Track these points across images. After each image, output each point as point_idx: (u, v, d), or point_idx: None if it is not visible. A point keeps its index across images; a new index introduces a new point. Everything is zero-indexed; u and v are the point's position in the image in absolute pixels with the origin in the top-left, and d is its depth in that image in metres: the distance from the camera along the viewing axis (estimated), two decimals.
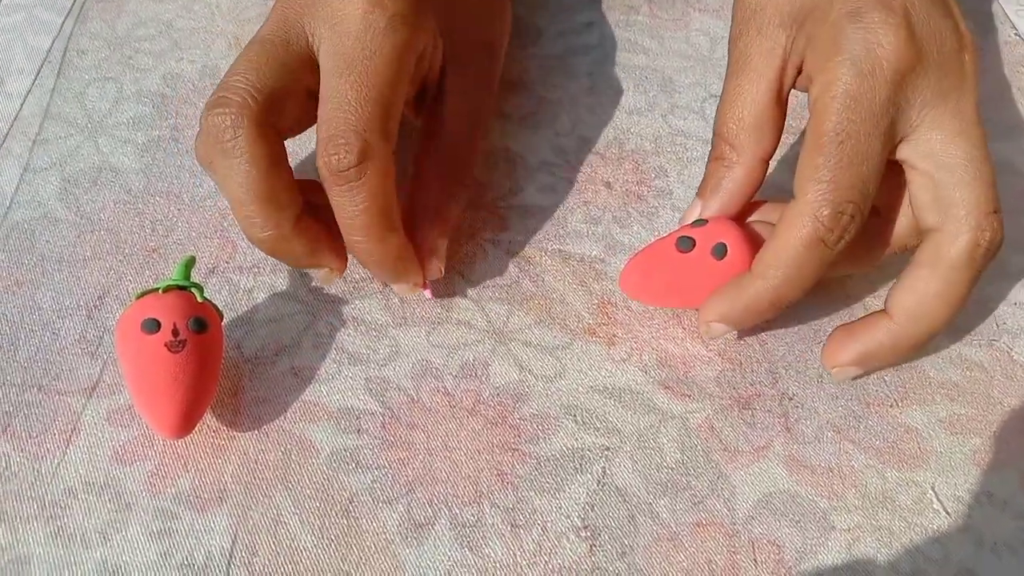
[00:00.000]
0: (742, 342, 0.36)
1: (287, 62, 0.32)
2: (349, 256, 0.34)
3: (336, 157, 0.31)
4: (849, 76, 0.31)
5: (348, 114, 0.31)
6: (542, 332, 0.36)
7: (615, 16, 0.48)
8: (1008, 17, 0.49)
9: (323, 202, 0.33)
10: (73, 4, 0.47)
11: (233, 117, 0.31)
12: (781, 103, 0.34)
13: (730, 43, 0.35)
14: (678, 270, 0.34)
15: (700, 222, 0.34)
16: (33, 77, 0.43)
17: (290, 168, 0.33)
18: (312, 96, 0.33)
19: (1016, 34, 0.48)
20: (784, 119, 0.34)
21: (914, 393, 0.35)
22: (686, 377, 0.35)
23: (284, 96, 0.32)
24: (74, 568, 0.30)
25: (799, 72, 0.34)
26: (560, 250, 0.39)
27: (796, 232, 0.31)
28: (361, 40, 0.32)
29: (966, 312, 0.37)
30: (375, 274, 0.35)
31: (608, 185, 0.41)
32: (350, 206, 0.32)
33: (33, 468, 0.32)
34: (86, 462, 0.32)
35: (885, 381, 0.35)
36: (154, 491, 0.31)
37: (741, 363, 0.36)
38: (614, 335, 0.36)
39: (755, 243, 0.34)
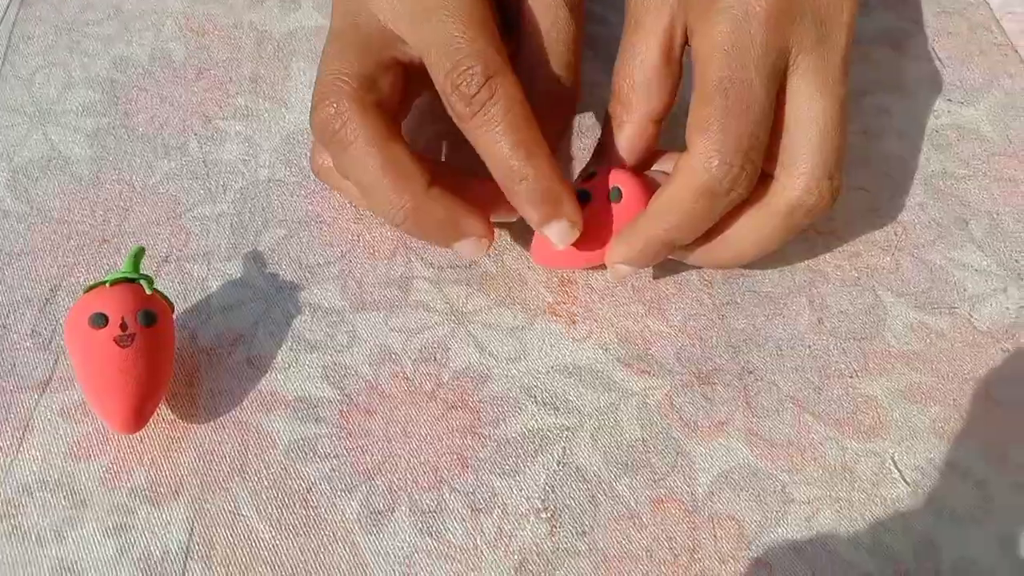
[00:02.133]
0: (702, 316, 0.36)
1: (363, 42, 0.33)
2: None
3: (463, 85, 0.30)
4: (725, 24, 0.31)
5: (454, 45, 0.31)
6: (502, 313, 0.36)
7: None
8: None
9: (449, 181, 0.32)
10: None
11: (336, 105, 0.31)
12: (672, 62, 0.34)
13: (626, 4, 0.35)
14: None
15: (591, 175, 0.35)
16: None
17: (408, 144, 0.32)
18: (405, 68, 0.33)
19: None
20: (677, 79, 0.34)
21: (874, 363, 0.35)
22: (646, 354, 0.35)
23: (375, 74, 0.32)
24: (29, 567, 0.29)
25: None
26: (521, 227, 0.38)
27: (688, 182, 0.31)
28: None
29: (927, 278, 0.37)
30: (537, 212, 0.32)
31: (572, 158, 0.40)
32: (494, 129, 0.31)
33: None
34: (40, 459, 0.32)
35: (845, 351, 0.35)
36: (110, 486, 0.31)
37: (701, 338, 0.35)
38: (574, 313, 0.36)
39: (649, 185, 0.34)
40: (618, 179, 0.34)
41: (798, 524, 0.31)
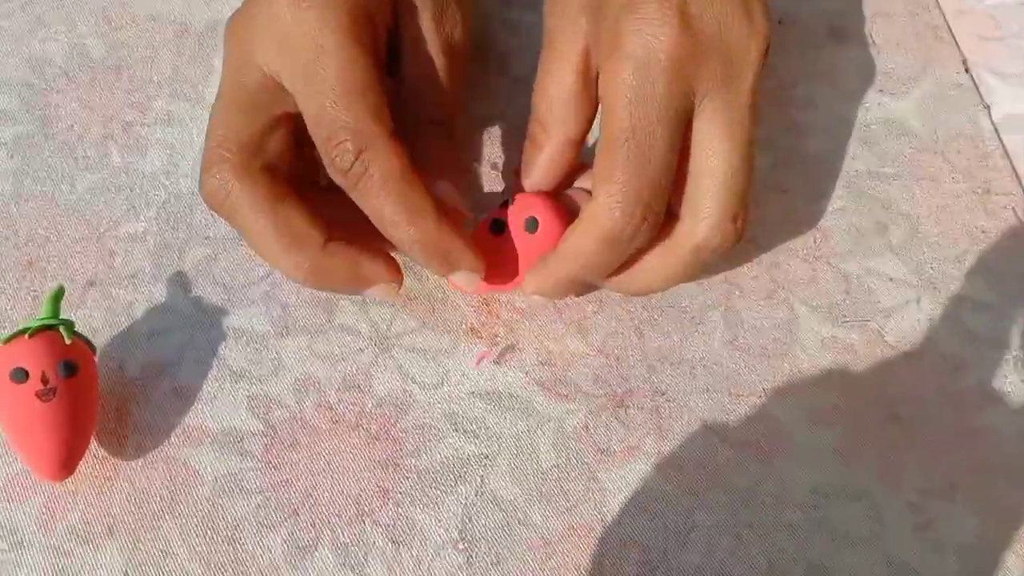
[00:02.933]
0: (620, 334, 0.37)
1: (250, 102, 0.32)
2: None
3: (336, 160, 0.31)
4: (627, 72, 0.31)
5: (328, 117, 0.31)
6: (426, 335, 0.37)
7: None
8: None
9: (358, 217, 0.32)
10: None
11: (219, 175, 0.32)
12: (589, 86, 0.34)
13: (544, 23, 0.35)
14: (498, 253, 0.35)
15: (507, 202, 0.35)
16: None
17: (301, 201, 0.32)
18: (297, 118, 0.33)
19: None
20: (595, 101, 0.34)
21: (783, 382, 0.36)
22: (565, 376, 0.36)
23: (262, 135, 0.33)
24: None
25: None
26: None
27: (591, 229, 0.32)
28: (302, 44, 0.31)
29: (843, 290, 0.38)
30: (433, 267, 0.33)
31: (494, 166, 0.40)
32: (373, 199, 0.31)
33: None
34: None
35: (755, 370, 0.36)
36: (46, 528, 0.32)
37: (619, 358, 0.36)
38: (496, 335, 0.37)
39: (566, 211, 0.35)
40: (535, 208, 0.34)
41: (699, 549, 0.33)
